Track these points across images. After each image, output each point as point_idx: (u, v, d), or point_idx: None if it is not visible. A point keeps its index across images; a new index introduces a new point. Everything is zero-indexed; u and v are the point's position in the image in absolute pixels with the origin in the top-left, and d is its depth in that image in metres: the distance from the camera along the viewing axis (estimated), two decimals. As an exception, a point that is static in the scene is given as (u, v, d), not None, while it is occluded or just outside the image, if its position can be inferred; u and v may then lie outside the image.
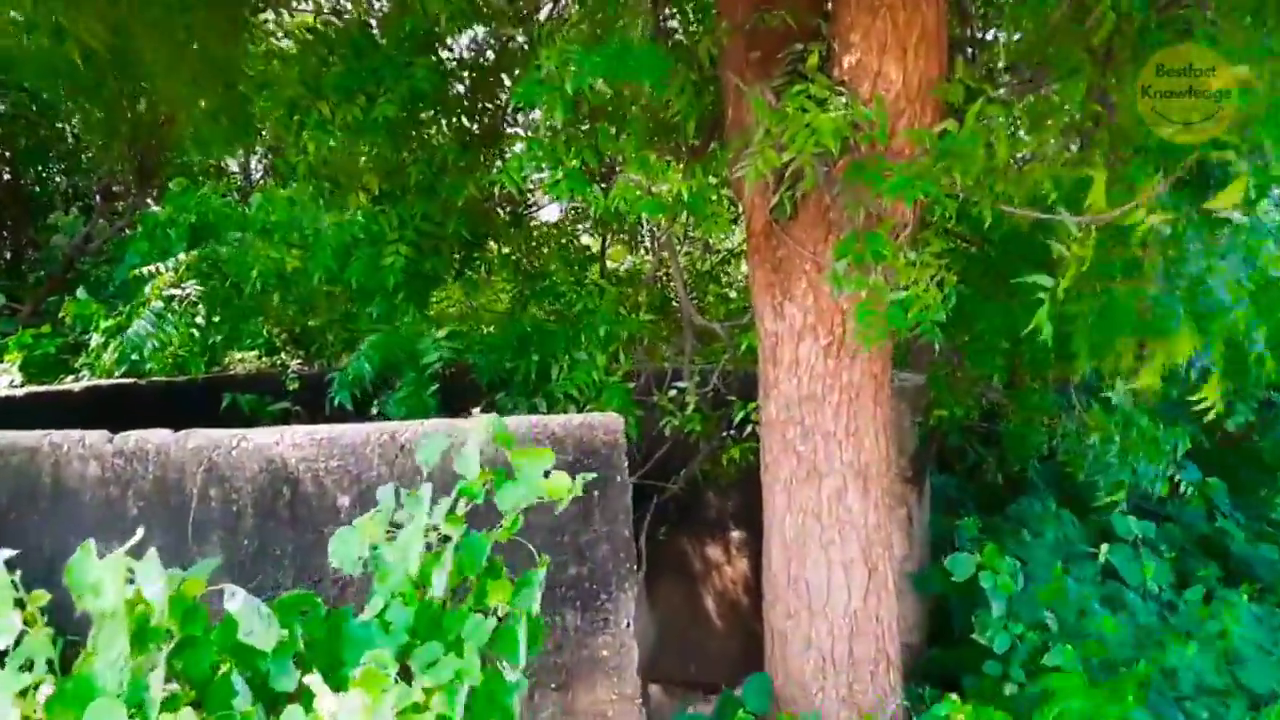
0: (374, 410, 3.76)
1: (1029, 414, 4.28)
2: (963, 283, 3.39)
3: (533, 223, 4.17)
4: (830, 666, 3.08)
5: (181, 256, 4.62)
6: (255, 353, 6.98)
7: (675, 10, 3.41)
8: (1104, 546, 4.53)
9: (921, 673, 4.00)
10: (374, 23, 3.58)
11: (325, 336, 6.23)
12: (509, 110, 3.88)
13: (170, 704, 1.60)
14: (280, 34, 3.90)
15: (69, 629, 1.78)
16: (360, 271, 3.44)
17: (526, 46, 3.60)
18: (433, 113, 3.59)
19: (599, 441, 2.95)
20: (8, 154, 8.70)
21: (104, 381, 5.45)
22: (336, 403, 3.68)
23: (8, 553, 1.70)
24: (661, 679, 6.20)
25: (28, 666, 1.63)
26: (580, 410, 3.84)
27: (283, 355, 6.89)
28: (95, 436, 2.86)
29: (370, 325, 3.86)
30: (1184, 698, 3.67)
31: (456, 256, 4.10)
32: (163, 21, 3.09)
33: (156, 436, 2.82)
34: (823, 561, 3.11)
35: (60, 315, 6.02)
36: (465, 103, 3.81)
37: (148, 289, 4.60)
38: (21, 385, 5.50)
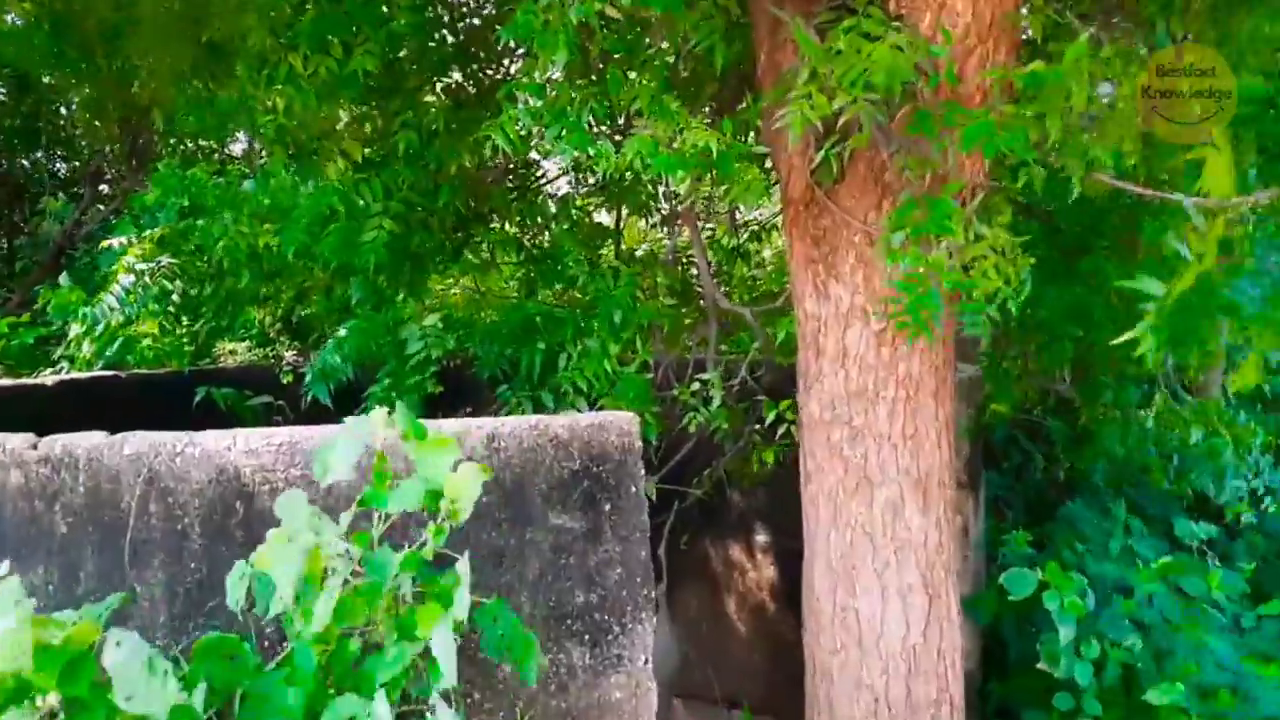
0: (358, 408, 3.34)
1: (1101, 409, 3.79)
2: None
3: (539, 197, 3.71)
4: (885, 710, 2.62)
5: (154, 231, 4.22)
6: (247, 343, 6.59)
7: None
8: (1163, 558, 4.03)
9: (978, 708, 3.53)
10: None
11: (322, 325, 5.82)
12: (511, 64, 3.42)
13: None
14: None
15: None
16: (334, 247, 3.01)
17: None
18: (419, 66, 3.14)
19: (610, 445, 2.52)
20: (-7, 137, 8.38)
21: (80, 375, 5.08)
22: (311, 399, 3.26)
23: None
24: (683, 693, 5.84)
25: None
26: (592, 406, 3.39)
27: (277, 346, 6.50)
28: (18, 440, 2.45)
29: (366, 311, 3.44)
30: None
31: (455, 234, 3.66)
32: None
33: (88, 441, 2.41)
34: (876, 588, 2.65)
35: (39, 304, 5.67)
36: (459, 56, 3.36)
37: (116, 265, 4.20)
38: (-3, 379, 5.12)
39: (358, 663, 1.55)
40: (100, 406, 4.69)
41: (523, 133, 2.37)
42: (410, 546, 1.90)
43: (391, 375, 3.25)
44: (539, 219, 3.52)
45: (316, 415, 3.37)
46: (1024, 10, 2.57)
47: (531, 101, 2.44)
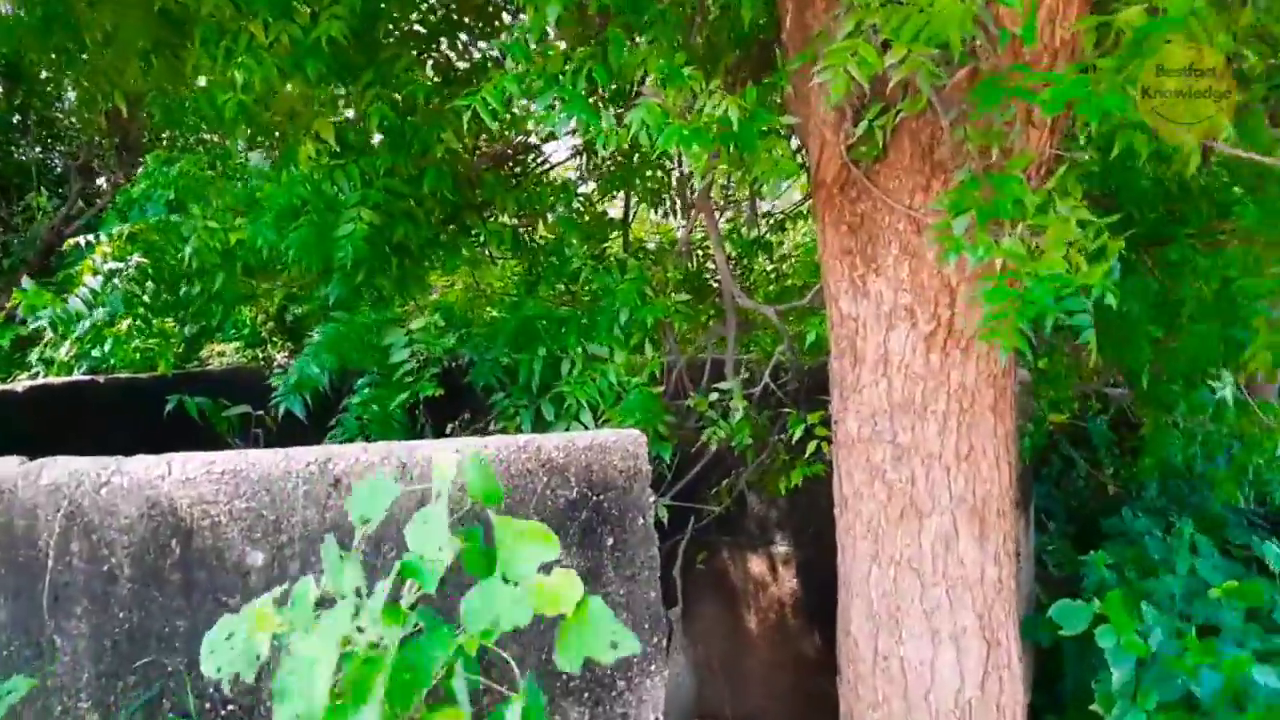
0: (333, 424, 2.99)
1: (1167, 415, 3.39)
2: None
3: (537, 183, 3.35)
4: (935, 777, 2.25)
5: (126, 227, 3.88)
6: (237, 345, 6.27)
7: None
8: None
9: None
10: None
11: (315, 325, 5.48)
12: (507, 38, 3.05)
13: None
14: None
15: None
16: (303, 243, 2.67)
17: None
18: (397, 34, 2.78)
19: (613, 470, 2.17)
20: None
21: (55, 380, 4.77)
22: (284, 412, 2.91)
23: None
24: (702, 715, 5.54)
25: None
26: (596, 417, 3.02)
27: (269, 347, 6.17)
28: (-85, 468, 2.11)
29: (344, 314, 3.09)
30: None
31: (446, 226, 3.31)
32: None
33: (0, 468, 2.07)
34: (924, 633, 2.27)
35: (10, 305, 5.36)
36: (446, 28, 3.00)
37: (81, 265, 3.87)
38: (-38, 384, 4.81)
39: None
40: (76, 414, 4.39)
41: (514, 109, 2.00)
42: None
43: (374, 385, 2.90)
44: (536, 207, 3.15)
45: (296, 427, 3.03)
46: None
47: (521, 67, 2.07)
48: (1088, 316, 1.87)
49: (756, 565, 5.67)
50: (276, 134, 2.81)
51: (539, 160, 3.82)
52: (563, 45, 2.20)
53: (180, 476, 2.00)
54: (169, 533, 2.00)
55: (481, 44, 3.28)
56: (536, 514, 2.11)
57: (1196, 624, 3.36)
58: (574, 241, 3.19)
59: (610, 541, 2.17)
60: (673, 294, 3.16)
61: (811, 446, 2.77)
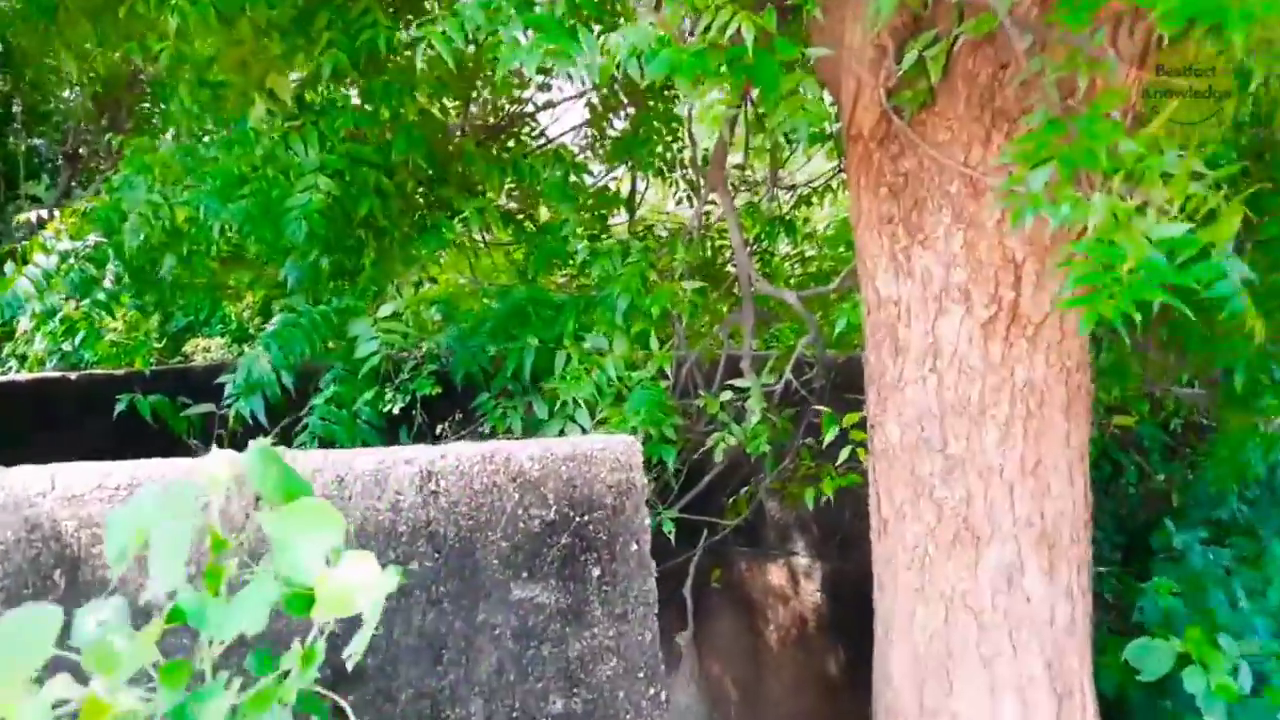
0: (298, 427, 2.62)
1: (1247, 418, 2.95)
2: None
3: (527, 151, 2.96)
4: None
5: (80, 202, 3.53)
6: (224, 340, 5.95)
7: None
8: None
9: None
10: None
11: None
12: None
13: None
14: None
15: None
16: (248, 214, 2.30)
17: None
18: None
19: (601, 485, 1.80)
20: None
21: (21, 377, 4.50)
22: (239, 416, 2.55)
23: None
24: (719, 742, 5.15)
25: None
26: (594, 416, 2.63)
27: (256, 343, 5.84)
28: None
29: (302, 302, 2.72)
30: None
31: (423, 202, 2.93)
32: None
33: None
34: (982, 683, 1.87)
35: (-19, 295, 5.06)
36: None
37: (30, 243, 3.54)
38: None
39: None
40: (44, 413, 4.09)
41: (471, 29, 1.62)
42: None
43: (338, 382, 2.53)
44: (526, 181, 2.77)
45: (233, 438, 2.67)
46: None
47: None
48: (1231, 284, 1.45)
49: (776, 577, 5.28)
50: (218, 89, 2.45)
51: (536, 133, 3.44)
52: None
53: (64, 493, 1.63)
54: (52, 561, 1.64)
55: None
56: (505, 539, 1.74)
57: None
58: (568, 218, 2.80)
59: (596, 572, 1.80)
60: (683, 280, 2.77)
61: (845, 453, 2.36)
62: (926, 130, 1.90)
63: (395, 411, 3.76)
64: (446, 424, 3.55)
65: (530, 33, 1.64)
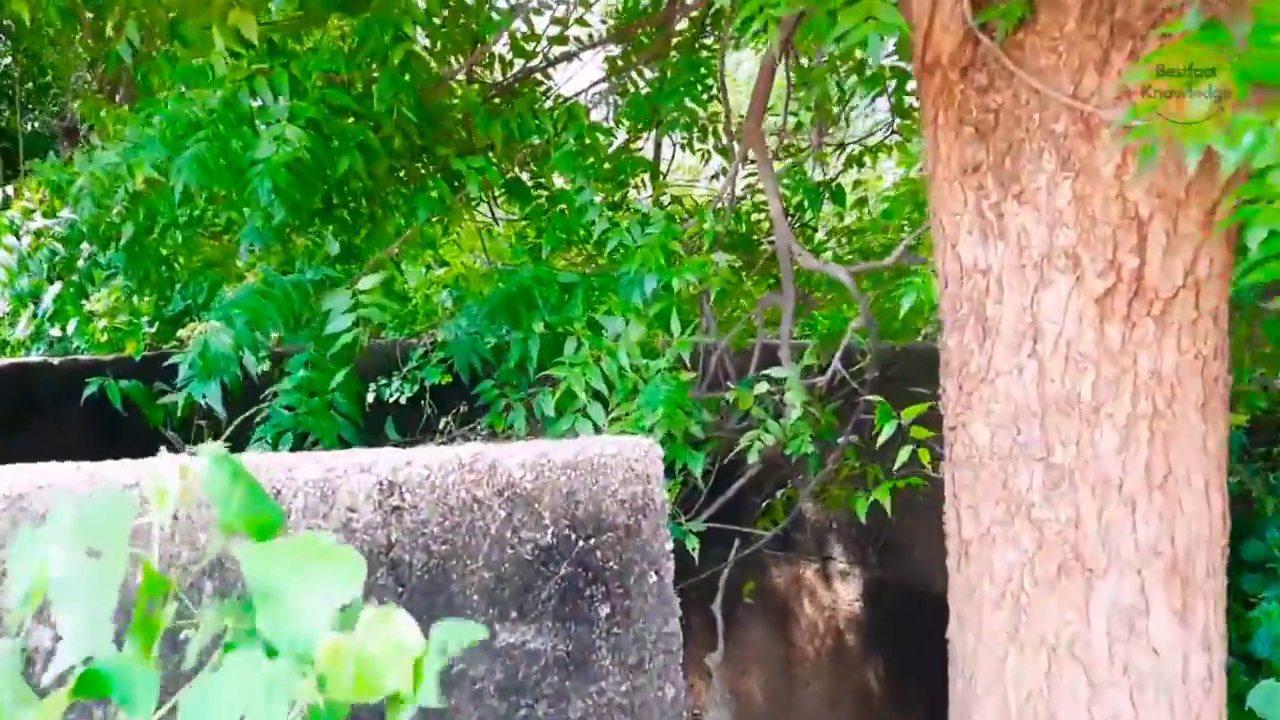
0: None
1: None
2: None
3: (534, 104, 2.60)
4: None
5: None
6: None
7: None
8: None
9: None
10: None
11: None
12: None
13: None
14: None
15: None
16: (200, 164, 1.95)
17: None
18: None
19: (611, 500, 1.46)
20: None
21: (2, 361, 4.27)
22: (193, 402, 2.21)
23: None
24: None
25: None
26: (609, 413, 2.26)
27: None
28: None
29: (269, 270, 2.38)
30: None
31: (416, 163, 2.58)
32: None
33: None
34: (1094, 756, 1.48)
35: (-39, 280, 4.81)
36: None
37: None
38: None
39: None
40: (25, 400, 3.85)
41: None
42: None
43: (309, 365, 2.20)
44: (532, 137, 2.41)
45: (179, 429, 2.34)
46: None
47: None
48: None
49: (811, 583, 4.93)
50: (176, 28, 2.12)
51: (548, 92, 3.07)
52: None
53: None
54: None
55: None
56: (488, 569, 1.40)
57: None
58: (583, 186, 2.44)
59: (605, 611, 1.45)
60: (710, 253, 2.40)
61: (904, 454, 1.97)
62: (1024, 54, 1.50)
63: (403, 402, 3.44)
64: (451, 417, 3.21)
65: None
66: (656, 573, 1.46)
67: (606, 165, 2.71)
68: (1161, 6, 1.41)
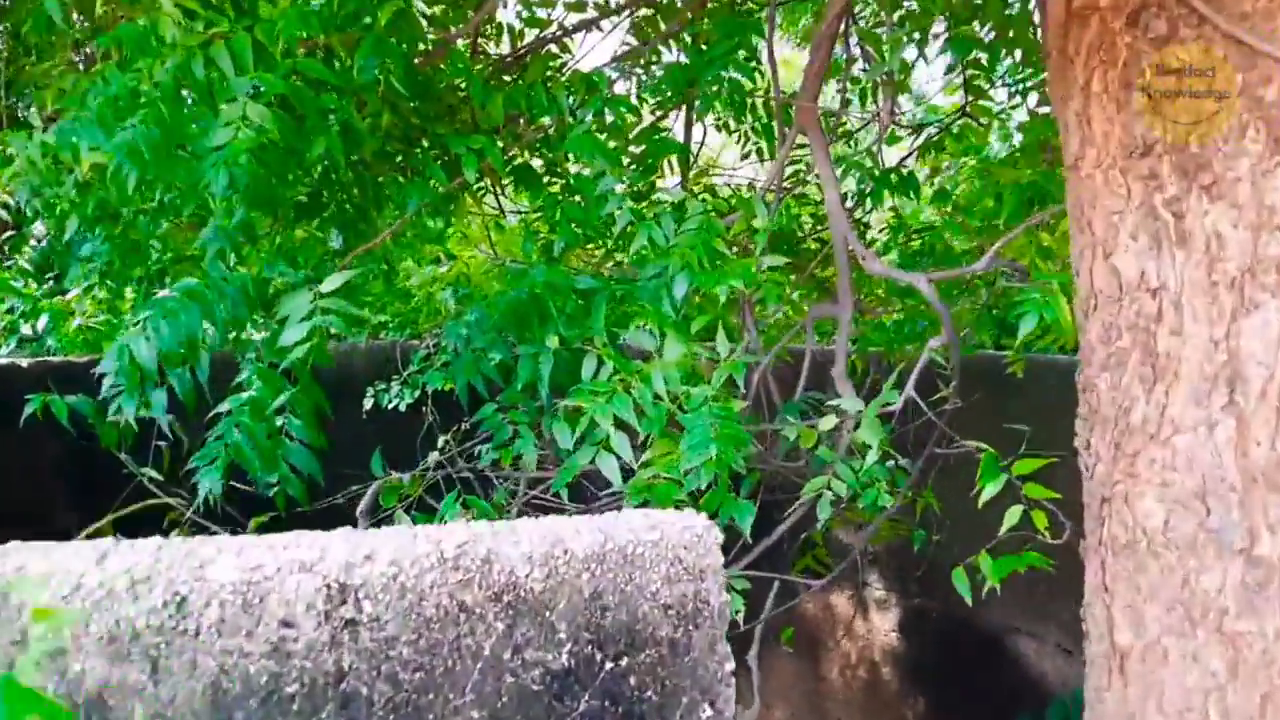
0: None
1: None
2: None
3: (549, 77, 2.20)
4: None
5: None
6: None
7: None
8: None
9: None
10: None
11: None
12: None
13: None
14: None
15: None
16: (136, 149, 1.57)
17: None
18: None
19: (649, 604, 1.15)
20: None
21: (-36, 364, 3.96)
22: (151, 419, 1.84)
23: None
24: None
25: None
26: (637, 446, 1.86)
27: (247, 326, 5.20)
28: None
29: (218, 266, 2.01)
30: None
31: (413, 147, 2.19)
32: None
33: None
34: None
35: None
36: None
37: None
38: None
39: None
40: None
41: None
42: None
43: (265, 380, 1.81)
44: (539, 112, 2.02)
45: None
46: None
47: None
48: None
49: (845, 611, 4.57)
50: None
51: (562, 65, 2.67)
52: None
53: None
54: None
55: None
56: (479, 706, 1.03)
57: None
58: (604, 171, 2.04)
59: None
60: (758, 253, 2.00)
61: (1014, 514, 1.55)
62: (1220, -6, 1.10)
63: (402, 409, 3.09)
64: (451, 435, 2.83)
65: None
66: (712, 704, 1.09)
67: (632, 148, 2.33)
68: None
